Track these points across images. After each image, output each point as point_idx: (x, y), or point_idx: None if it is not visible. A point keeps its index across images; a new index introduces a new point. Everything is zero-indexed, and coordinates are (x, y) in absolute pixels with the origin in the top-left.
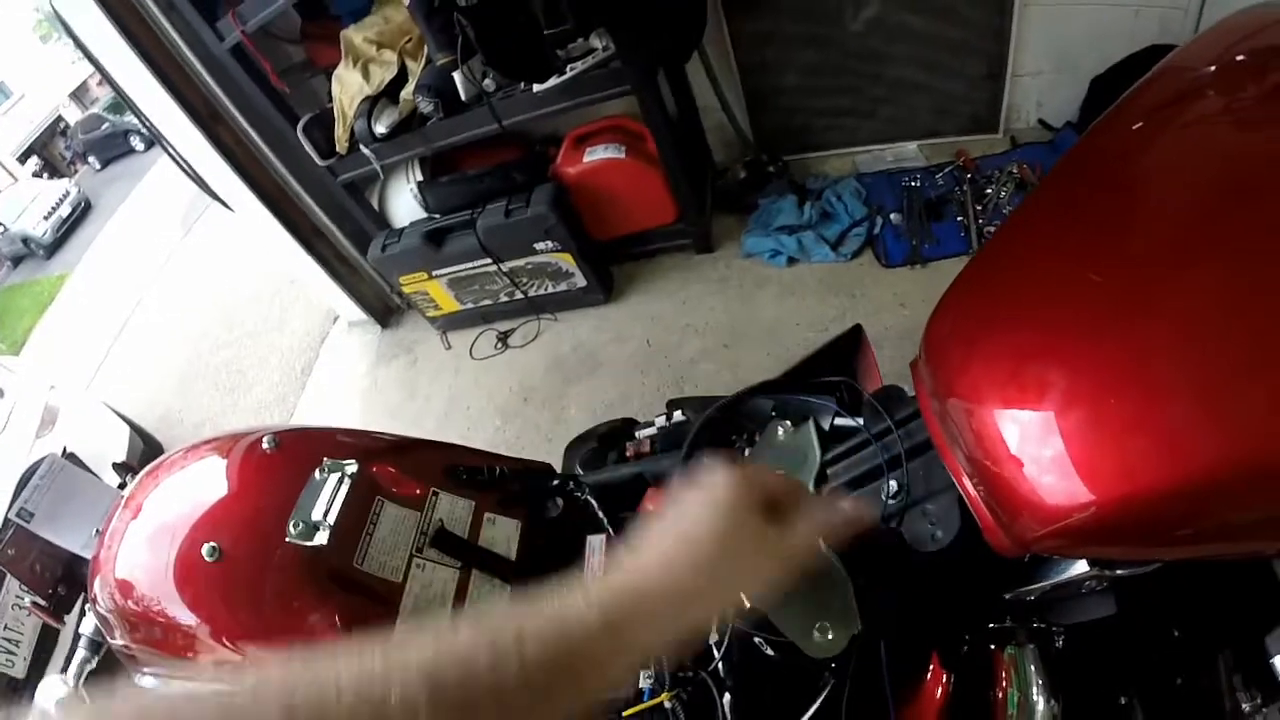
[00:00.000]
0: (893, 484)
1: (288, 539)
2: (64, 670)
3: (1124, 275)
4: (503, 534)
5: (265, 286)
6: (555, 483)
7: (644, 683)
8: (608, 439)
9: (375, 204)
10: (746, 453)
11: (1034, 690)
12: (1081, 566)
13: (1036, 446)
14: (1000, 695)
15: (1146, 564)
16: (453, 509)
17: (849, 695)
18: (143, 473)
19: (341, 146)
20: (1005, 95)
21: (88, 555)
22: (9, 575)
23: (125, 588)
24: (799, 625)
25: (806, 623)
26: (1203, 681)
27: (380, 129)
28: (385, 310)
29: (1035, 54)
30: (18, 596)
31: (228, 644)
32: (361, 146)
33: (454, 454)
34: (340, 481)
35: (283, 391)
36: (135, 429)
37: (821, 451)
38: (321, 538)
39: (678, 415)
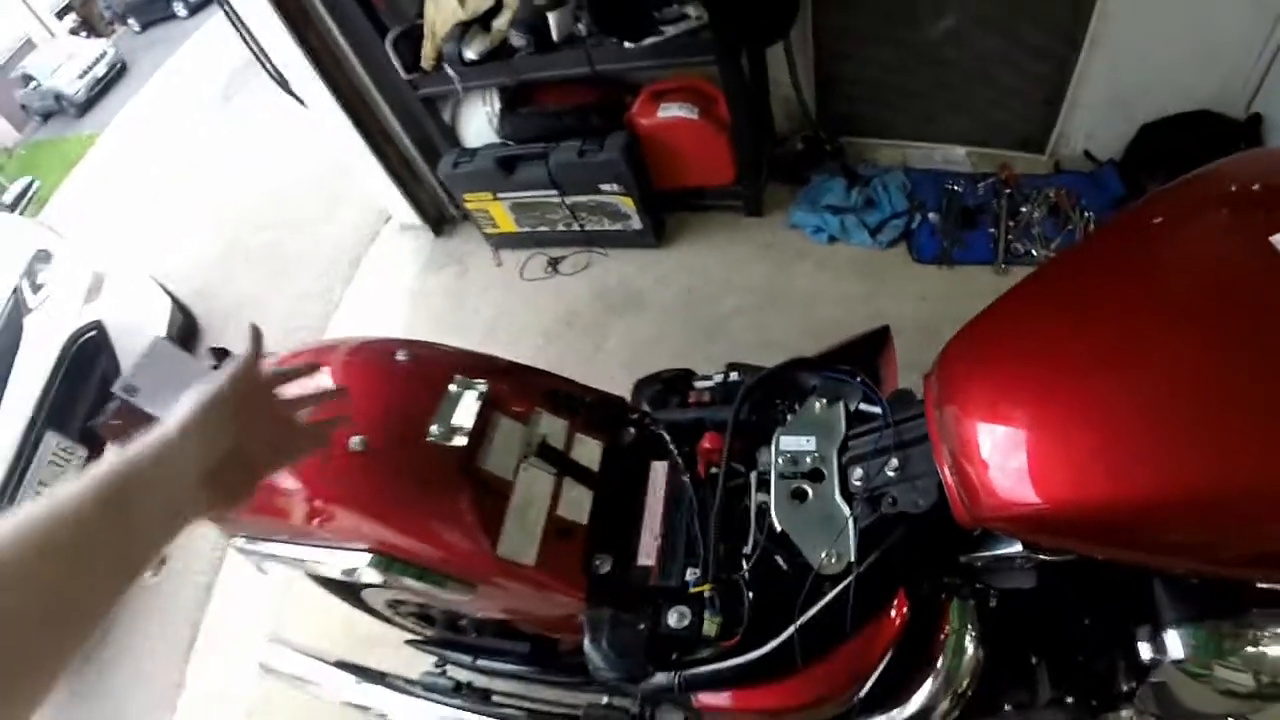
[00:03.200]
0: (894, 461)
1: (429, 439)
2: None
3: (1103, 341)
4: (589, 452)
5: (314, 175)
6: (634, 415)
7: (689, 576)
8: (670, 383)
9: (447, 119)
10: (789, 418)
11: (967, 636)
12: (1016, 546)
13: (1002, 453)
14: (942, 635)
15: (1064, 554)
16: (551, 426)
17: (839, 603)
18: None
19: (428, 64)
20: (1058, 122)
21: None
22: (104, 439)
23: None
24: (814, 549)
25: (819, 548)
26: (1099, 662)
27: (470, 54)
28: (439, 219)
29: (1094, 89)
30: (54, 454)
31: (367, 522)
32: (447, 67)
33: (552, 381)
34: (476, 397)
35: (328, 283)
36: (175, 301)
37: (846, 428)
38: (460, 440)
39: (734, 375)
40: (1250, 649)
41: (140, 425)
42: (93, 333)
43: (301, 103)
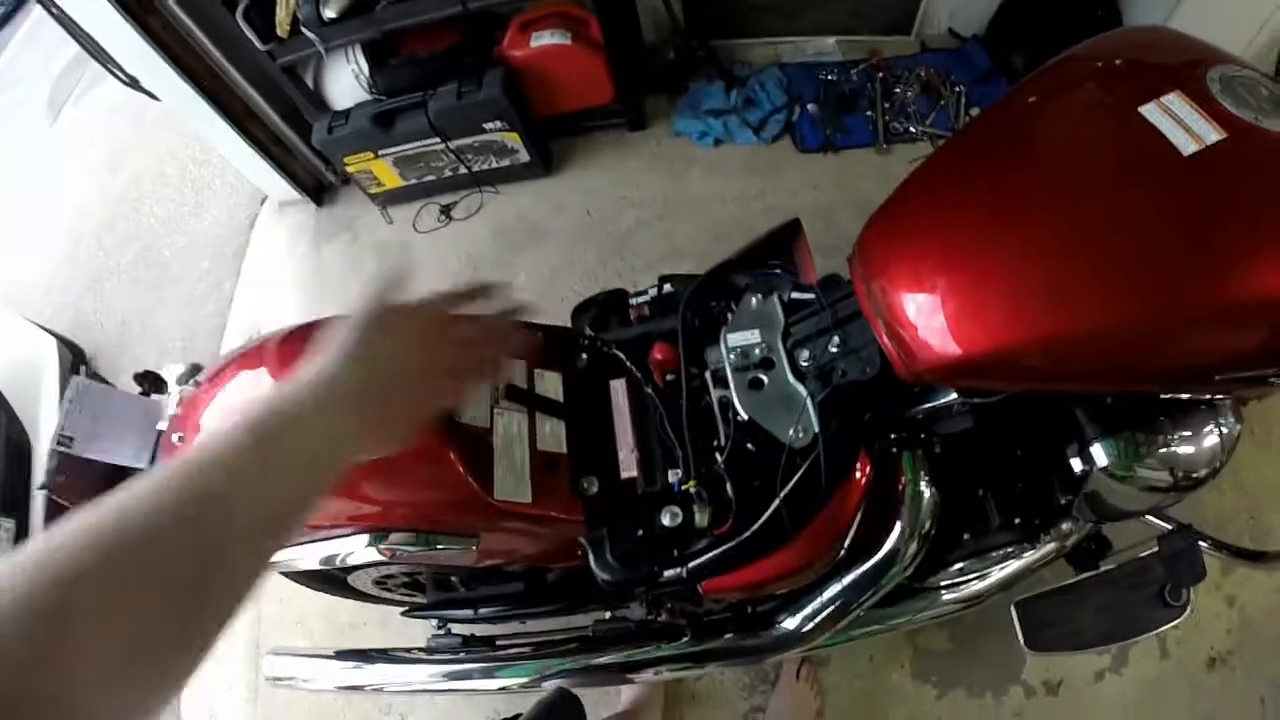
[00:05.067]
0: (835, 338)
1: None
2: None
3: (1000, 208)
4: (551, 384)
5: (169, 170)
6: (585, 341)
7: (672, 478)
8: (606, 305)
9: (311, 84)
10: (729, 317)
11: (921, 482)
12: (952, 395)
13: (928, 314)
14: (900, 486)
15: (991, 395)
16: (512, 368)
17: (810, 474)
18: (204, 374)
19: (283, 31)
20: (922, 4)
21: (138, 464)
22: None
23: None
24: (781, 427)
25: (785, 426)
26: (1036, 485)
27: (329, 14)
28: (319, 188)
29: None
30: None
31: (360, 504)
32: (306, 30)
33: None
34: None
35: (216, 278)
36: (58, 338)
37: (784, 316)
38: None
39: (667, 287)
40: (1163, 450)
41: (88, 475)
42: None
43: (154, 97)
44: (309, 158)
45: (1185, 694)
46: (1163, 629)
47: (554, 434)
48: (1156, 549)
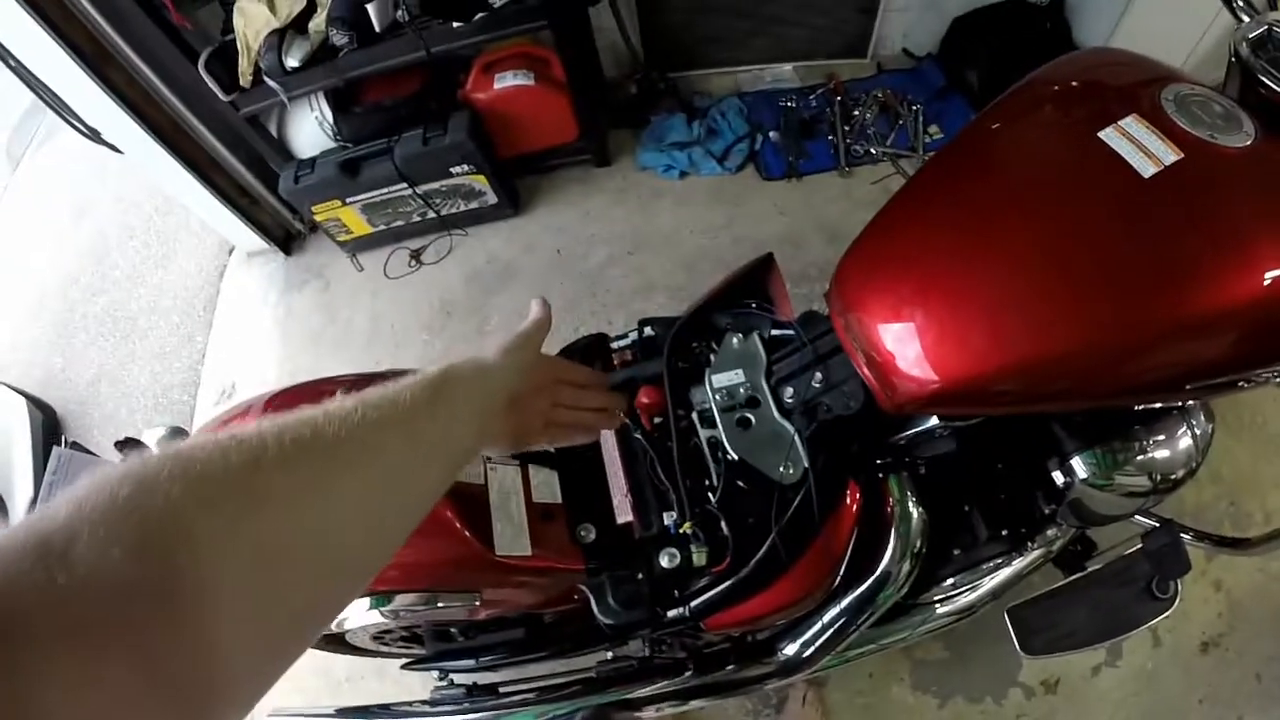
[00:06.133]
0: (818, 374)
1: None
2: None
3: (970, 237)
4: None
5: (133, 221)
6: None
7: (667, 519)
8: (588, 351)
9: (275, 133)
10: (712, 358)
11: (909, 503)
12: (934, 421)
13: (906, 346)
14: (889, 509)
15: (971, 419)
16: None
17: (802, 507)
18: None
19: (245, 80)
20: (876, 27)
21: None
22: None
23: None
24: (771, 464)
25: (775, 463)
26: (1019, 498)
27: (292, 63)
28: (286, 237)
29: None
30: None
31: None
32: (269, 80)
33: None
34: None
35: (188, 332)
36: (28, 397)
37: (766, 354)
38: None
39: (648, 330)
40: (1140, 457)
41: None
42: None
43: (117, 150)
44: (276, 207)
45: (1181, 679)
46: (1153, 622)
47: (548, 484)
48: (1141, 545)
